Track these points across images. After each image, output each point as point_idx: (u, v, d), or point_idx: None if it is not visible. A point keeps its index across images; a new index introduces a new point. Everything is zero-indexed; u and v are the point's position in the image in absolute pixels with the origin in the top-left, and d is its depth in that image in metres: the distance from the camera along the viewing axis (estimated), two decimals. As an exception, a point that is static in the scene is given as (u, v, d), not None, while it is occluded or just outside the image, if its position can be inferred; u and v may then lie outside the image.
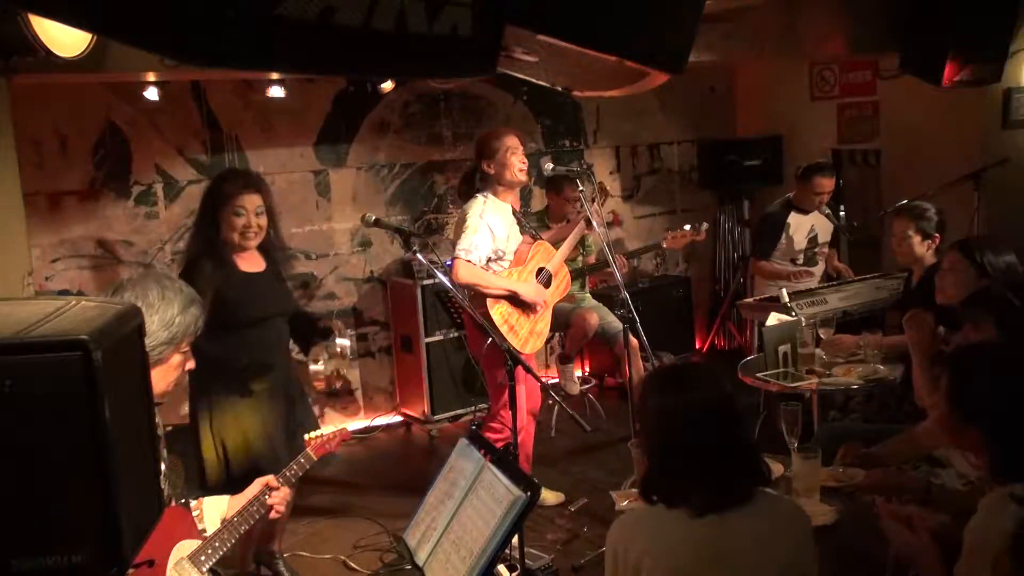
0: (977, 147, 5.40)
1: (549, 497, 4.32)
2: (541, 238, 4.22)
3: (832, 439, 3.33)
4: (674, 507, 1.91)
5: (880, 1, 5.27)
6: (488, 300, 3.84)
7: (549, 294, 4.08)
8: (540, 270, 4.07)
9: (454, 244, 3.92)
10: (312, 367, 3.79)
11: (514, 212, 4.13)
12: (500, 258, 3.96)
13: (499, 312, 3.85)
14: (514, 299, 3.91)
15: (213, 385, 3.27)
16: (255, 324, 3.34)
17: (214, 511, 2.50)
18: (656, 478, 1.98)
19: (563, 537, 4.06)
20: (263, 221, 3.35)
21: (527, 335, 3.92)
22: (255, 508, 2.53)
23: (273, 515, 2.58)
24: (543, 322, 4.04)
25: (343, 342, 3.59)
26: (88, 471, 1.05)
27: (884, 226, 5.38)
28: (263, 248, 3.44)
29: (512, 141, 3.94)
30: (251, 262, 3.40)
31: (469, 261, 3.80)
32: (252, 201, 3.32)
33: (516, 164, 3.92)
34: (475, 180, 4.04)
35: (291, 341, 3.55)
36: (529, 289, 3.95)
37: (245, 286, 3.32)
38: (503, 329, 3.82)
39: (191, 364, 2.29)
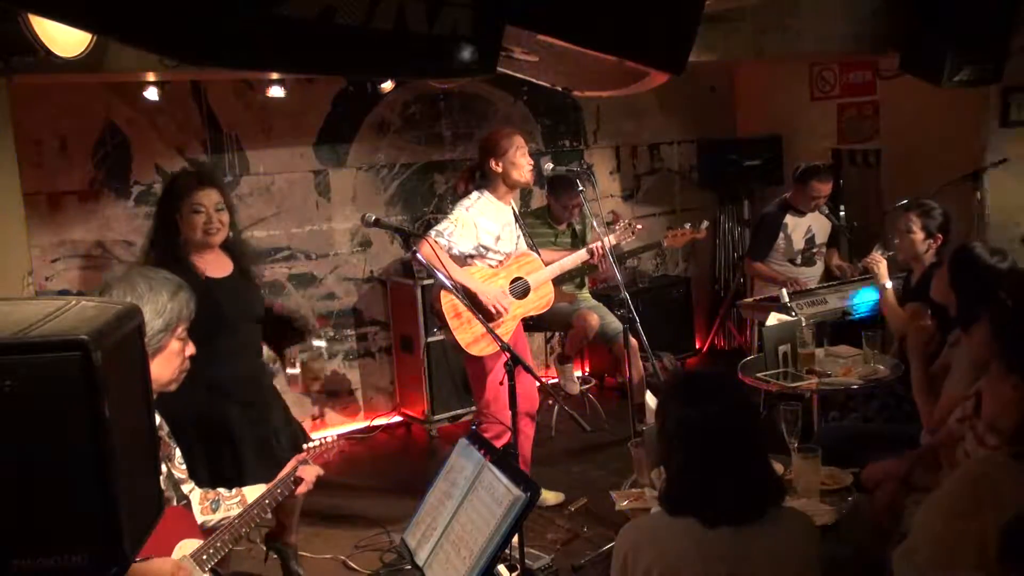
0: (977, 147, 5.40)
1: (549, 497, 4.32)
2: (538, 252, 4.19)
3: (832, 439, 3.34)
4: (688, 517, 1.90)
5: (880, 1, 5.27)
6: (443, 290, 3.74)
7: (516, 303, 4.00)
8: (516, 279, 4.05)
9: None
10: (288, 371, 3.73)
11: (517, 219, 4.11)
12: (483, 256, 3.95)
13: (448, 302, 3.78)
14: (469, 298, 3.81)
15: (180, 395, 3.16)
16: (222, 332, 3.16)
17: (254, 497, 2.56)
18: (674, 487, 1.97)
19: (563, 537, 4.06)
20: (224, 217, 3.25)
21: (480, 334, 3.80)
22: (279, 490, 2.56)
23: (303, 488, 2.60)
24: (503, 328, 3.92)
25: (319, 343, 3.55)
26: (88, 471, 1.05)
27: (885, 225, 5.38)
28: (227, 249, 3.32)
29: (520, 140, 3.94)
30: (216, 266, 3.27)
31: (436, 243, 3.72)
32: (210, 197, 3.21)
33: (524, 164, 3.92)
34: (475, 179, 4.02)
35: (264, 347, 3.45)
36: (486, 288, 3.86)
37: (209, 293, 3.12)
38: (452, 322, 3.80)
39: (191, 350, 2.31)
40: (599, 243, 4.13)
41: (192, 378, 3.06)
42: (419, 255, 3.54)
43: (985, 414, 2.38)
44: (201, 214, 3.18)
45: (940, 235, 3.87)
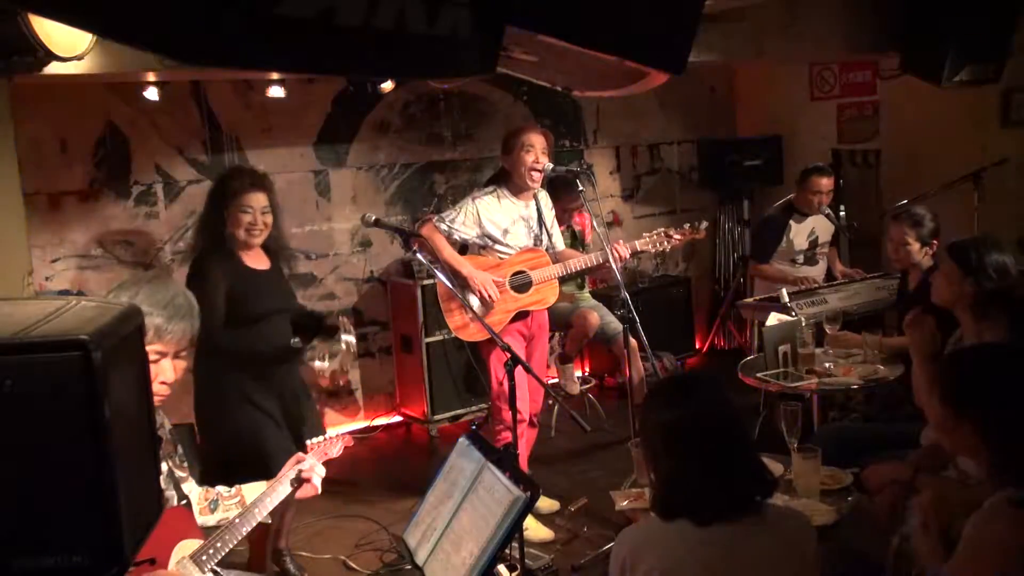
0: (977, 147, 5.40)
1: (544, 505, 4.27)
2: (554, 249, 4.20)
3: (832, 439, 3.34)
4: (680, 519, 1.90)
5: (880, 1, 5.27)
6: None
7: (512, 297, 4.01)
8: (518, 272, 4.06)
9: None
10: (317, 364, 3.85)
11: (541, 218, 4.11)
12: (490, 248, 4.00)
13: (443, 285, 3.82)
14: (461, 282, 3.90)
15: (220, 376, 3.36)
16: (259, 320, 3.39)
17: (254, 496, 2.54)
18: (663, 492, 1.97)
19: (563, 537, 4.06)
20: (268, 219, 3.43)
21: (467, 320, 3.88)
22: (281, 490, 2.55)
23: (311, 491, 2.60)
24: (495, 319, 3.95)
25: (349, 339, 3.61)
26: (88, 471, 1.05)
27: (884, 226, 5.38)
28: (267, 247, 3.51)
29: (529, 139, 3.95)
30: (256, 259, 3.47)
31: (436, 226, 3.94)
32: (258, 200, 3.39)
33: (527, 162, 3.92)
34: (498, 175, 4.15)
35: (294, 339, 3.55)
36: (474, 272, 3.92)
37: (252, 281, 3.39)
38: (444, 304, 3.92)
39: (164, 376, 2.18)
40: (620, 249, 4.02)
41: (232, 361, 3.29)
42: (420, 232, 3.81)
43: (950, 453, 2.34)
44: (248, 214, 3.37)
45: (935, 241, 3.87)
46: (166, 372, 2.19)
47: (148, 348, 2.07)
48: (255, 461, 3.18)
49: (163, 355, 2.18)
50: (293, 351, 3.56)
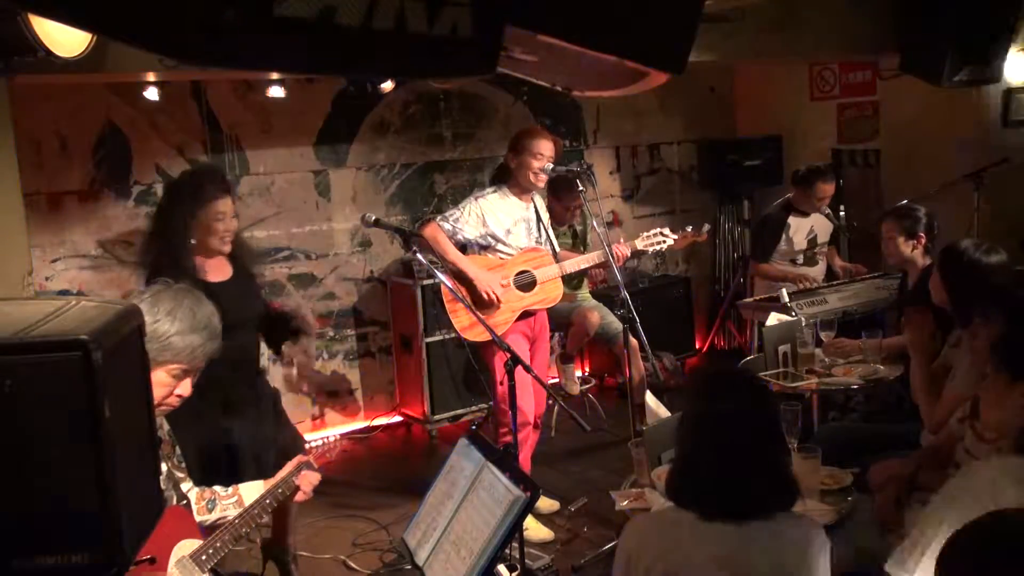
0: (977, 147, 5.40)
1: (543, 505, 4.28)
2: (554, 251, 4.20)
3: (832, 439, 3.34)
4: (687, 511, 1.90)
5: (880, 1, 5.27)
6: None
7: (517, 295, 4.02)
8: (522, 272, 4.07)
9: None
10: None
11: (539, 219, 4.13)
12: (489, 246, 4.01)
13: (446, 288, 3.82)
14: (465, 283, 3.91)
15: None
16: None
17: (251, 497, 2.54)
18: (675, 473, 1.99)
19: (563, 537, 4.06)
20: (235, 224, 3.27)
21: (470, 322, 3.87)
22: (280, 490, 2.55)
23: (300, 496, 2.59)
24: (500, 318, 3.97)
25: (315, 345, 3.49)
26: (88, 471, 1.05)
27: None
28: (231, 253, 3.32)
29: (542, 147, 3.96)
30: (217, 270, 3.28)
31: (440, 226, 3.95)
32: (228, 205, 3.23)
33: (534, 167, 3.94)
34: (503, 170, 4.15)
35: (261, 355, 3.40)
36: (481, 274, 3.93)
37: (213, 297, 3.19)
38: (449, 305, 3.90)
39: (183, 390, 2.18)
40: (622, 248, 4.09)
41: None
42: (422, 233, 3.80)
43: (987, 421, 2.37)
44: (222, 222, 3.20)
45: (923, 235, 3.87)
46: (185, 388, 2.19)
47: (175, 367, 2.11)
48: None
49: (188, 373, 2.18)
50: (258, 367, 3.42)
